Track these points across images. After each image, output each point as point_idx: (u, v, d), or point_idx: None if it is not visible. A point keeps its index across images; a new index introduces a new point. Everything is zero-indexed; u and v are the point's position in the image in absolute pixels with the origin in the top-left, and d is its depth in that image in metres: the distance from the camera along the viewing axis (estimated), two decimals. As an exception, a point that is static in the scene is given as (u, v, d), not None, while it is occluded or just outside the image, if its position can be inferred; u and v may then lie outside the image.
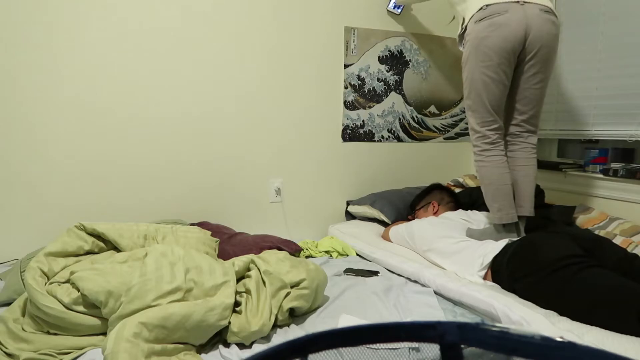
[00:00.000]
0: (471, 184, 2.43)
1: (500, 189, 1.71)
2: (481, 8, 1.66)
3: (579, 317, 1.26)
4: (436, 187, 2.23)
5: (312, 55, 2.39)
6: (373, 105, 2.57)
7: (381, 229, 2.30)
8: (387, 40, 2.55)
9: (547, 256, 1.40)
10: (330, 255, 2.07)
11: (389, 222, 2.28)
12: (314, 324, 1.36)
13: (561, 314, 1.30)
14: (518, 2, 1.63)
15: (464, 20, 1.76)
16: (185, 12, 2.13)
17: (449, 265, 1.70)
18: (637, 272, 1.36)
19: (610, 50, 2.09)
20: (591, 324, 1.22)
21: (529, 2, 1.63)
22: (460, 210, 2.07)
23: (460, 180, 2.49)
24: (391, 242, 2.09)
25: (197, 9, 2.15)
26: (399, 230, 2.03)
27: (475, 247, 1.66)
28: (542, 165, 2.31)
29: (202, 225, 2.11)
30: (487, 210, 1.90)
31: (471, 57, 1.69)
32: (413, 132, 2.69)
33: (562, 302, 1.31)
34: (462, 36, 1.77)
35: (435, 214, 2.11)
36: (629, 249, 1.61)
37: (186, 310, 1.18)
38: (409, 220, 2.20)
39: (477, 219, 1.98)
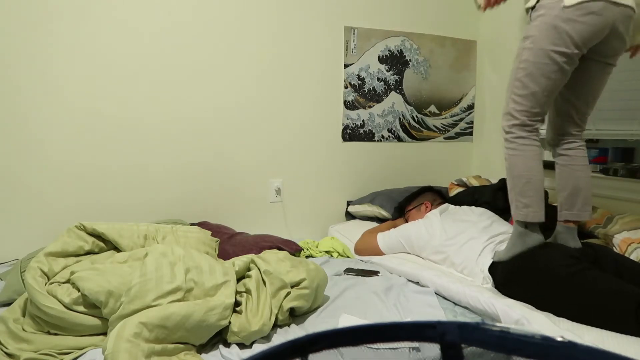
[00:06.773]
0: (475, 183, 2.43)
1: (532, 182, 1.51)
2: None
3: (576, 320, 1.26)
4: (428, 189, 2.19)
5: (312, 55, 2.39)
6: (373, 105, 2.57)
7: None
8: (387, 40, 2.55)
9: (544, 267, 1.40)
10: (331, 255, 2.07)
11: (390, 217, 2.26)
12: (314, 324, 1.35)
13: (558, 316, 1.30)
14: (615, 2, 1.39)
15: None
16: (184, 13, 2.13)
17: (453, 270, 1.70)
18: (632, 275, 1.36)
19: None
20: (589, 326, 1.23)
21: (621, 5, 1.39)
22: (453, 207, 2.03)
23: (464, 179, 2.49)
24: (374, 253, 1.98)
25: (195, 10, 2.15)
26: (390, 235, 1.95)
27: (475, 256, 1.64)
28: (543, 165, 2.29)
29: (202, 225, 2.11)
30: (486, 208, 1.89)
31: (541, 36, 1.42)
32: (413, 131, 2.69)
33: (559, 305, 1.31)
34: (532, 8, 1.49)
35: None
36: (628, 250, 1.61)
37: (186, 310, 1.18)
38: (395, 223, 2.14)
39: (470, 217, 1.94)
